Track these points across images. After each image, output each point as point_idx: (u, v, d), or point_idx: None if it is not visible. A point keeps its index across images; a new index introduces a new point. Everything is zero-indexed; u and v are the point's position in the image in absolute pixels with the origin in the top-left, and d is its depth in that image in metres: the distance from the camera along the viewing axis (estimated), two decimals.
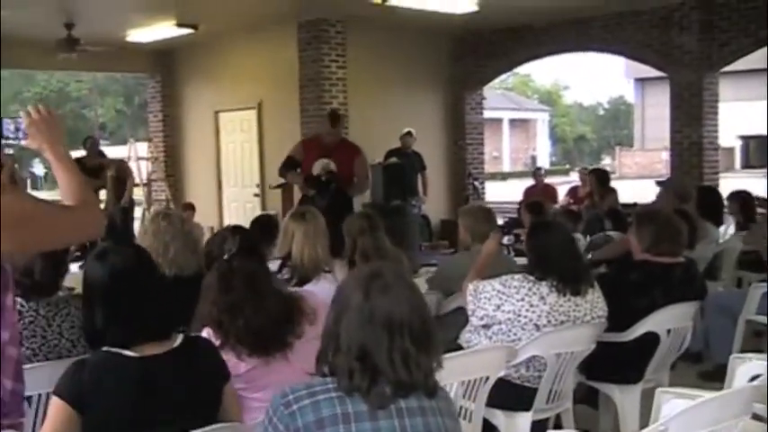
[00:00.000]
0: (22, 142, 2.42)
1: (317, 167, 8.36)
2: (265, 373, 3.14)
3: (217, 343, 3.11)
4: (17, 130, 2.41)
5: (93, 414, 2.52)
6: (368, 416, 2.12)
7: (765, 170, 22.80)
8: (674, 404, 3.02)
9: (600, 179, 11.32)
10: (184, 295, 3.26)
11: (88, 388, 2.51)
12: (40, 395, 3.15)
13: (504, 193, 19.83)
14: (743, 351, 5.23)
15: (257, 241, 3.50)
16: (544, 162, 47.91)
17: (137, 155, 14.73)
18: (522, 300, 3.98)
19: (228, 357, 3.09)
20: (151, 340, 2.61)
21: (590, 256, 6.13)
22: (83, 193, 2.30)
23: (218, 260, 3.29)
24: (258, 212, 12.21)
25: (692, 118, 11.78)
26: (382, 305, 2.17)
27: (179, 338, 2.66)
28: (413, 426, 2.16)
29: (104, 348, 2.60)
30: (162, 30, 12.41)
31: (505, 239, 7.11)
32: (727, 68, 12.20)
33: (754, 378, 3.33)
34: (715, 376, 5.50)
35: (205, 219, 12.59)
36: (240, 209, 13.77)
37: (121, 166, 12.89)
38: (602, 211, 9.10)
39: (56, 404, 2.53)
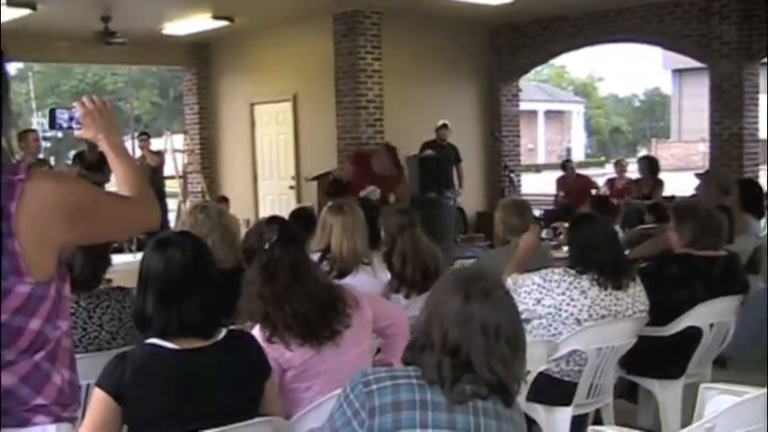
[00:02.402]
0: (77, 132, 2.41)
1: (362, 195, 8.39)
2: (318, 362, 3.14)
3: (266, 335, 3.11)
4: (71, 119, 2.40)
5: (134, 406, 2.53)
6: (445, 408, 2.14)
7: None
8: (719, 400, 2.97)
9: (652, 167, 11.15)
10: (224, 288, 3.25)
11: (129, 380, 2.53)
12: (80, 386, 3.17)
13: (539, 185, 19.77)
14: None
15: (294, 229, 3.49)
16: (579, 154, 47.66)
17: (172, 147, 14.81)
18: (563, 294, 3.94)
19: (280, 349, 3.09)
20: (196, 333, 2.62)
21: (627, 252, 6.04)
22: (140, 186, 2.29)
23: (259, 252, 3.28)
24: (293, 205, 12.24)
25: (731, 109, 11.65)
26: (482, 309, 2.18)
27: (222, 332, 2.66)
28: (486, 426, 2.17)
29: (147, 341, 2.61)
30: (198, 22, 12.48)
31: (544, 233, 7.05)
32: (767, 58, 12.04)
33: None
34: None
35: (240, 211, 12.65)
36: (275, 201, 13.81)
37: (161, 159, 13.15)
38: (642, 204, 8.97)
39: (97, 396, 2.55)
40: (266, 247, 3.26)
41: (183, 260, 2.66)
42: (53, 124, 2.43)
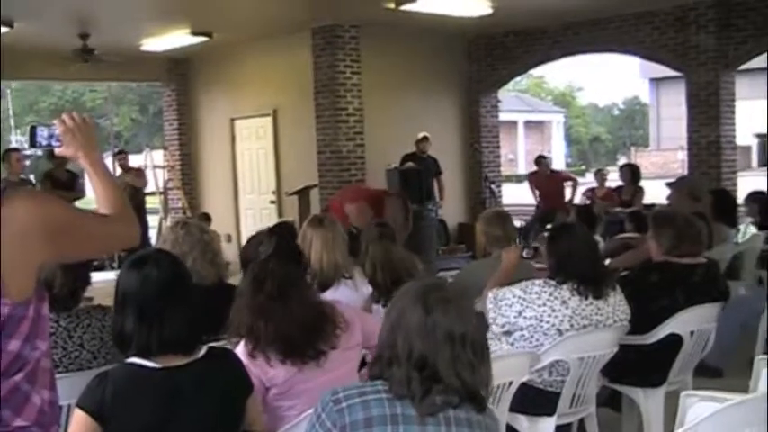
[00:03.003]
0: (57, 150, 2.39)
1: None
2: (300, 381, 3.14)
3: (249, 348, 3.11)
4: (51, 137, 2.39)
5: (116, 426, 2.51)
6: (416, 420, 2.15)
7: None
8: (700, 407, 2.99)
9: (634, 175, 11.24)
10: (203, 305, 3.24)
11: (110, 400, 2.51)
12: (61, 406, 3.14)
13: (520, 195, 19.79)
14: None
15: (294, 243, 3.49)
16: (560, 163, 47.78)
17: (153, 163, 14.76)
18: (544, 305, 3.96)
19: (262, 365, 3.09)
20: (176, 351, 2.61)
21: (607, 262, 6.07)
22: (119, 202, 2.29)
23: (253, 262, 3.28)
24: (275, 219, 12.24)
25: (709, 117, 11.72)
26: (444, 318, 2.19)
27: (202, 350, 2.66)
28: None
29: (127, 360, 2.60)
30: (176, 38, 12.46)
31: (524, 252, 7.09)
32: (742, 66, 12.12)
33: None
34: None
35: (221, 227, 12.62)
36: (257, 216, 13.79)
37: (138, 174, 13.09)
38: (623, 213, 9.02)
39: (78, 416, 2.53)
40: (261, 258, 3.26)
41: (160, 277, 2.65)
42: (33, 142, 2.41)
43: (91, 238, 2.17)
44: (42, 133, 2.40)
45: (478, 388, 2.20)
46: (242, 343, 3.18)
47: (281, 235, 3.43)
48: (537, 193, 13.16)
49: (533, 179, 13.42)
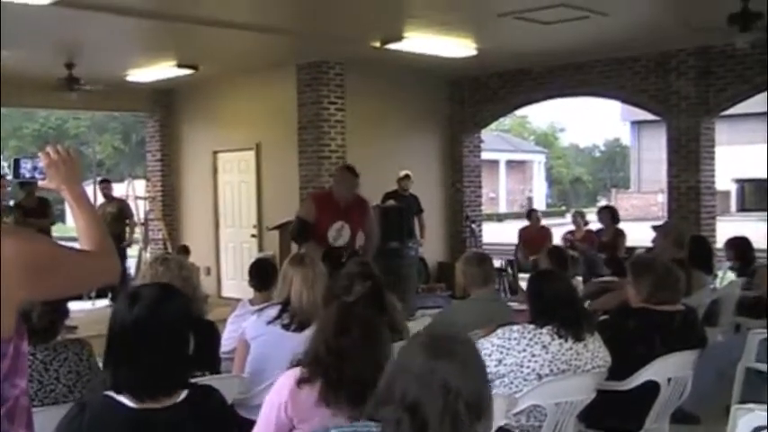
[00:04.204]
0: (40, 183, 2.38)
1: (332, 235, 8.18)
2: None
3: (303, 373, 3.04)
4: (35, 169, 2.37)
5: None
6: None
7: (764, 213, 22.84)
8: None
9: (613, 217, 11.32)
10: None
11: (86, 430, 2.49)
12: None
13: (500, 235, 19.89)
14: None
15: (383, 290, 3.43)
16: (540, 203, 48.06)
17: (134, 193, 14.72)
18: (524, 350, 3.96)
19: (302, 402, 3.03)
20: (156, 391, 2.56)
21: (587, 304, 6.10)
22: (101, 238, 2.27)
23: (340, 300, 3.22)
24: (255, 253, 12.22)
25: (689, 163, 11.83)
26: (444, 367, 2.15)
27: (183, 393, 2.60)
28: None
29: (105, 393, 2.57)
30: (162, 70, 12.47)
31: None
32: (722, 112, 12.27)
33: (756, 430, 3.30)
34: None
35: (201, 259, 12.59)
36: (237, 249, 13.75)
37: (122, 205, 13.08)
38: (607, 256, 9.06)
39: None
40: (351, 299, 3.21)
41: (151, 314, 2.59)
42: (17, 174, 2.39)
43: (74, 277, 2.16)
44: (26, 165, 2.39)
45: None
46: (294, 370, 3.12)
47: (374, 279, 3.38)
48: (524, 252, 13.01)
49: (526, 233, 13.34)
